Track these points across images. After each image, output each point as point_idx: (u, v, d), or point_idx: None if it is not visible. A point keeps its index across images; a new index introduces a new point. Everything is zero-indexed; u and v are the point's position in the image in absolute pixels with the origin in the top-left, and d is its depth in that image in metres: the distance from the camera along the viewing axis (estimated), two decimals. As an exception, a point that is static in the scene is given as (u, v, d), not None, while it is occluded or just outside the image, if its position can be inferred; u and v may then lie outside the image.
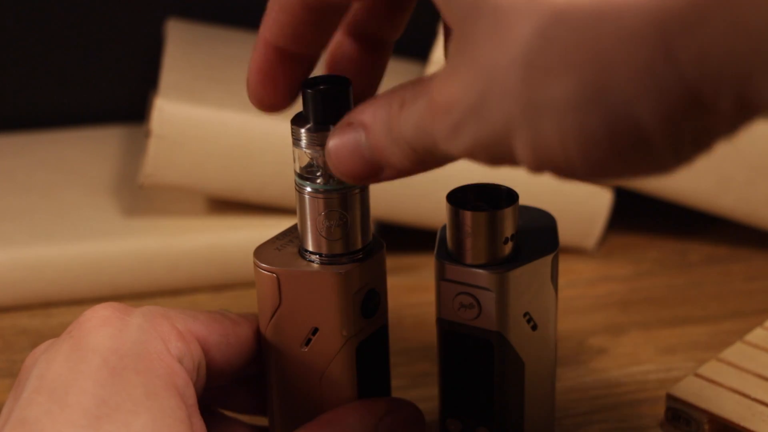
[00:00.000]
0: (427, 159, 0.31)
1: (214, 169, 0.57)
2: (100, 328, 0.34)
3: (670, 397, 0.43)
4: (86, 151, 0.67)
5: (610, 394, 0.49)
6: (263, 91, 0.36)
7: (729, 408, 0.42)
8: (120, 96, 0.72)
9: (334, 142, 0.34)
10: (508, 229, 0.38)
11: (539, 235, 0.40)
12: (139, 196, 0.61)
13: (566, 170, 0.27)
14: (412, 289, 0.58)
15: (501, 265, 0.38)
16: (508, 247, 0.38)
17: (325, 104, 0.35)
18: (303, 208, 0.37)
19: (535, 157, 0.27)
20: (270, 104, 0.37)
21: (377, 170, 0.33)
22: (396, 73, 0.67)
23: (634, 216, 0.65)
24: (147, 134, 0.56)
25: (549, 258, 0.39)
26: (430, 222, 0.59)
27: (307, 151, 0.36)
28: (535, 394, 0.40)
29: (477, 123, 0.28)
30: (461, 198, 0.38)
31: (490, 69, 0.27)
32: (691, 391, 0.43)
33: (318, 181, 0.36)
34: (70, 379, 0.33)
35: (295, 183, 0.37)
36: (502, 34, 0.26)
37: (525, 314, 0.39)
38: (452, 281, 0.38)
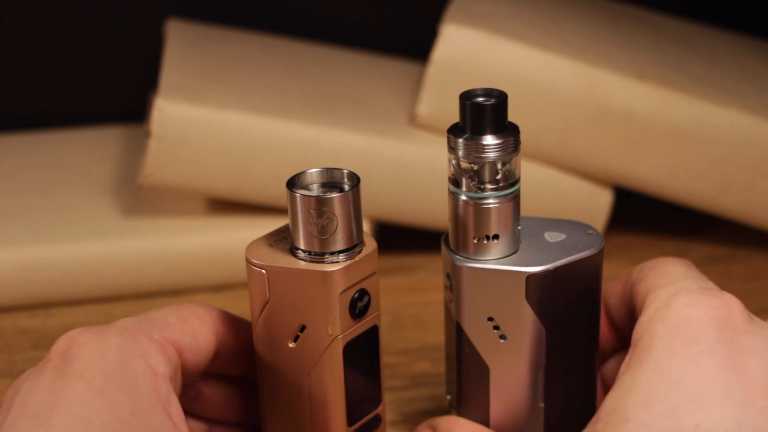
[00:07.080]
0: None
1: (214, 169, 0.57)
2: (82, 353, 0.34)
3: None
4: (86, 151, 0.67)
5: (610, 394, 0.49)
6: None
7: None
8: (120, 96, 0.72)
9: None
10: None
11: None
12: (139, 196, 0.61)
13: None
14: (412, 289, 0.58)
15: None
16: None
17: (482, 116, 0.37)
18: (294, 206, 0.37)
19: None
20: None
21: None
22: (396, 73, 0.67)
23: (634, 216, 0.65)
24: (147, 134, 0.56)
25: None
26: (430, 222, 0.59)
27: (462, 159, 0.37)
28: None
29: None
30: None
31: None
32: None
33: (469, 188, 0.37)
34: (55, 403, 0.32)
35: (449, 190, 0.38)
36: None
37: None
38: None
